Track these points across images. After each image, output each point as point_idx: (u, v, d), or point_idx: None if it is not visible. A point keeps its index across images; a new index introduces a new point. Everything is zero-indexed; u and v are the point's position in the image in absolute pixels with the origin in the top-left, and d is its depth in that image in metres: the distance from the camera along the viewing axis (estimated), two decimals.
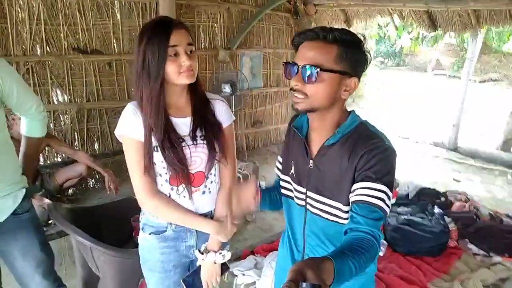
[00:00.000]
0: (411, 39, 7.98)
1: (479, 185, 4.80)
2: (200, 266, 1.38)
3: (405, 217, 2.65)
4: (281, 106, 5.63)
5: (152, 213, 1.33)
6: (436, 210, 2.82)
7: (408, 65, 17.32)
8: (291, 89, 0.97)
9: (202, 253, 1.34)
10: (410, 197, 3.12)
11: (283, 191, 1.18)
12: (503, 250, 2.39)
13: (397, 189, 3.36)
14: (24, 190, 1.55)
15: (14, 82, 1.42)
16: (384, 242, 2.51)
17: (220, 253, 1.35)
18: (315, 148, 1.05)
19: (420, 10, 4.50)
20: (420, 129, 7.16)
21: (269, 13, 4.90)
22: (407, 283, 2.07)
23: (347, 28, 0.99)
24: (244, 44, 4.85)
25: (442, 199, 3.05)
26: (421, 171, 5.10)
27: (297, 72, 0.94)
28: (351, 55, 0.93)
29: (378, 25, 9.54)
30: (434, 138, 6.60)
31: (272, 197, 1.26)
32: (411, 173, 4.99)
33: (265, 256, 2.13)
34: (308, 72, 0.91)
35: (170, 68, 1.15)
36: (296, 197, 1.11)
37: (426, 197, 3.08)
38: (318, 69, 0.91)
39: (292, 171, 1.11)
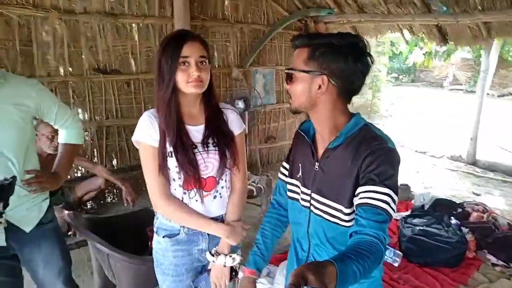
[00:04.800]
0: (423, 54, 7.97)
1: (500, 199, 4.67)
2: (209, 269, 1.42)
3: (421, 228, 2.61)
4: (295, 122, 5.68)
5: (165, 216, 1.38)
6: (453, 221, 2.77)
7: (424, 81, 17.23)
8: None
9: (213, 255, 1.38)
10: (426, 208, 3.07)
11: (289, 194, 1.20)
12: None
13: (412, 201, 3.31)
14: (48, 201, 1.61)
15: (52, 100, 1.56)
16: (400, 253, 2.48)
17: (231, 256, 1.38)
18: (321, 150, 1.08)
19: (430, 24, 4.54)
20: (437, 144, 7.05)
21: (280, 32, 5.04)
22: None
23: (332, 32, 1.07)
24: (256, 61, 4.98)
25: (459, 210, 2.99)
26: (439, 185, 5.01)
27: None
28: (320, 55, 0.98)
29: (391, 42, 9.61)
30: (451, 152, 6.49)
31: (265, 254, 1.28)
32: (428, 187, 4.91)
33: (277, 266, 2.13)
34: (287, 75, 1.05)
35: (180, 77, 1.23)
36: (302, 199, 1.14)
37: (443, 208, 3.03)
38: (290, 71, 1.03)
39: (300, 173, 1.14)
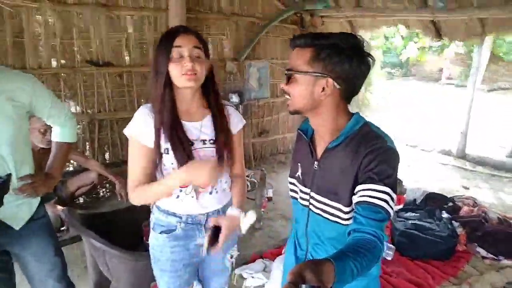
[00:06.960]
0: (418, 48, 7.99)
1: (488, 192, 4.76)
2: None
3: (413, 222, 2.65)
4: (288, 116, 5.69)
5: (140, 203, 1.35)
6: (444, 215, 2.82)
7: (415, 75, 17.34)
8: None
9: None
10: (417, 203, 3.12)
11: (291, 193, 1.21)
12: (511, 253, 2.39)
13: (404, 195, 3.36)
14: (39, 198, 1.57)
15: (47, 96, 1.50)
16: (392, 246, 2.51)
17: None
18: (319, 149, 1.08)
19: (426, 19, 4.56)
20: (428, 138, 7.13)
21: (276, 25, 5.01)
22: (415, 286, 2.08)
23: (334, 32, 1.01)
24: (251, 55, 4.95)
25: (450, 204, 3.04)
26: (429, 178, 5.07)
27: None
28: (325, 57, 0.96)
29: (385, 36, 9.62)
30: (442, 146, 6.58)
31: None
32: (419, 180, 4.98)
33: (273, 260, 2.15)
34: (287, 76, 1.01)
35: (173, 69, 1.21)
36: (301, 198, 1.14)
37: (434, 202, 3.07)
38: (291, 72, 1.00)
39: (299, 173, 1.14)
